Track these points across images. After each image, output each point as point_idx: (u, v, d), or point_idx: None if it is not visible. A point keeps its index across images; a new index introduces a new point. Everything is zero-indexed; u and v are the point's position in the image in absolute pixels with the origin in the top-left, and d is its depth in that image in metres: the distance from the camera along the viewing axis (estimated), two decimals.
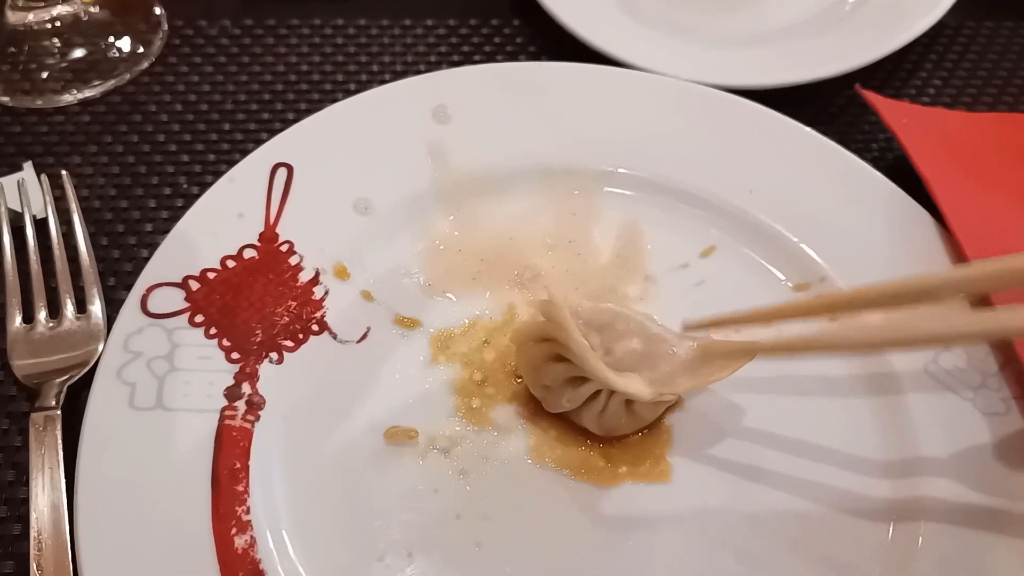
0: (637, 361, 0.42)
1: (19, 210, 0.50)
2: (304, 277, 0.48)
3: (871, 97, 0.57)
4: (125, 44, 0.60)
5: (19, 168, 0.53)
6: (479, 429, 0.44)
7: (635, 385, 0.41)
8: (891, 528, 0.42)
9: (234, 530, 0.40)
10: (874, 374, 0.47)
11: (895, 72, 0.64)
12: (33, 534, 0.39)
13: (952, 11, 0.62)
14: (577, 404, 0.43)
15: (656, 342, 0.43)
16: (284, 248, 0.48)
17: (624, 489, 0.43)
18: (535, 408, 0.45)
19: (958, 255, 0.49)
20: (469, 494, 0.43)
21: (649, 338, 0.43)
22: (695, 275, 0.50)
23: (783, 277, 0.50)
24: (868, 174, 0.52)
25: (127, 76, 0.59)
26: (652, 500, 0.43)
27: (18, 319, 0.46)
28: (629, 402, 0.42)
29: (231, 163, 0.52)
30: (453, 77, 0.55)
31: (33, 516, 0.40)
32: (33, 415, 0.43)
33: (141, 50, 0.60)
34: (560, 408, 0.44)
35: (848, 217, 0.51)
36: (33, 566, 0.38)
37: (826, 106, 0.61)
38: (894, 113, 0.56)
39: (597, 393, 0.42)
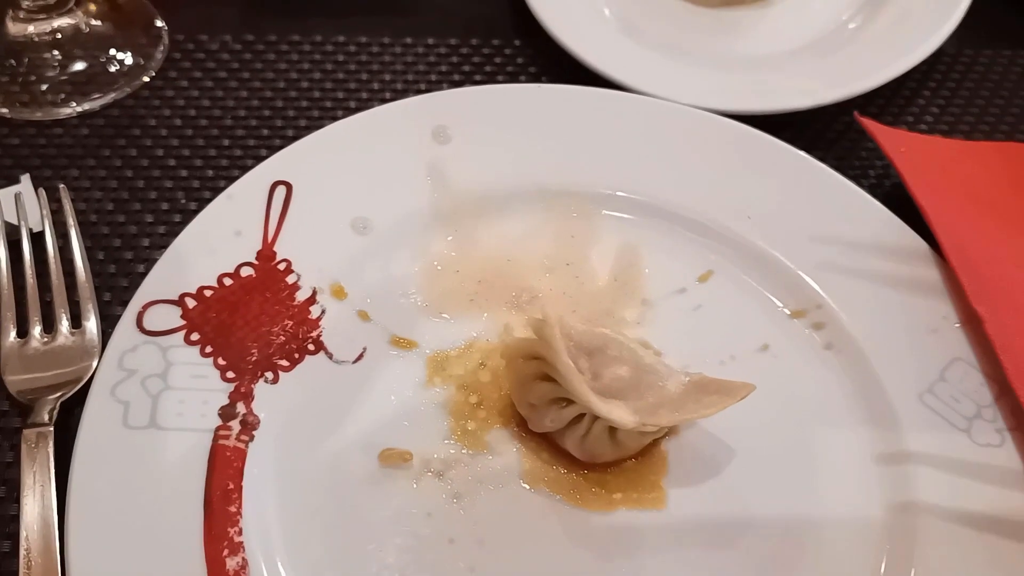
0: (624, 388, 0.42)
1: (15, 223, 0.50)
2: (301, 296, 0.48)
3: (869, 125, 0.57)
4: (126, 57, 0.60)
5: (16, 181, 0.53)
6: (473, 452, 0.44)
7: (618, 412, 0.41)
8: (884, 559, 0.42)
9: (226, 552, 0.40)
10: (869, 403, 0.47)
11: (893, 99, 0.64)
12: (22, 552, 0.39)
13: (951, 39, 0.63)
14: (560, 425, 0.43)
15: (647, 372, 0.43)
16: (282, 267, 0.48)
17: (619, 515, 0.43)
18: (529, 431, 0.45)
19: (953, 284, 0.50)
20: (463, 518, 0.42)
21: (640, 367, 0.43)
22: (692, 300, 0.50)
23: (780, 303, 0.50)
24: (866, 202, 0.53)
25: (127, 89, 0.59)
26: (647, 527, 0.43)
27: (12, 333, 0.46)
28: (613, 429, 0.42)
29: (230, 179, 0.52)
30: (454, 98, 0.55)
31: (23, 534, 0.39)
32: (25, 431, 0.42)
33: (141, 63, 0.60)
34: (543, 428, 0.44)
35: (845, 244, 0.51)
36: None
37: (824, 131, 0.62)
38: (892, 141, 0.56)
39: (581, 416, 0.42)
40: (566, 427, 0.43)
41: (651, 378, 0.43)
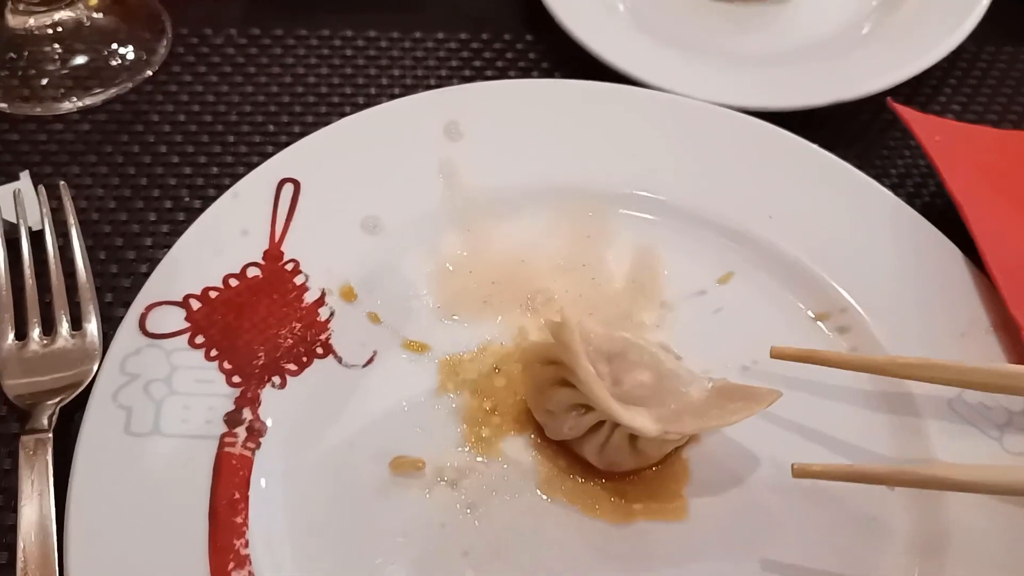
0: (646, 395, 0.41)
1: (14, 221, 0.48)
2: (309, 298, 0.46)
3: (903, 111, 0.55)
4: (128, 51, 0.58)
5: (16, 178, 0.51)
6: (488, 460, 0.43)
7: (639, 419, 0.39)
8: (916, 571, 0.41)
9: (231, 564, 0.38)
10: (897, 411, 0.45)
11: (914, 96, 0.63)
12: (19, 564, 0.37)
13: (972, 36, 0.61)
14: (579, 433, 0.41)
15: (669, 378, 0.41)
16: (289, 267, 0.47)
17: (638, 527, 0.42)
18: (546, 438, 0.43)
19: (982, 287, 0.48)
20: (477, 529, 0.41)
21: (661, 373, 0.41)
22: (713, 302, 0.49)
23: (803, 306, 0.49)
24: (890, 202, 0.51)
25: (129, 84, 0.57)
26: (667, 538, 0.41)
27: (10, 336, 0.45)
28: (633, 437, 0.41)
29: (235, 177, 0.51)
30: (466, 93, 0.54)
31: (20, 545, 0.38)
32: (24, 438, 0.41)
33: (144, 58, 0.59)
34: (561, 436, 0.42)
35: (869, 245, 0.50)
36: None
37: (843, 129, 0.60)
38: (926, 129, 0.54)
39: (601, 424, 0.41)
40: (585, 435, 0.41)
41: (673, 384, 0.41)
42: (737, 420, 0.40)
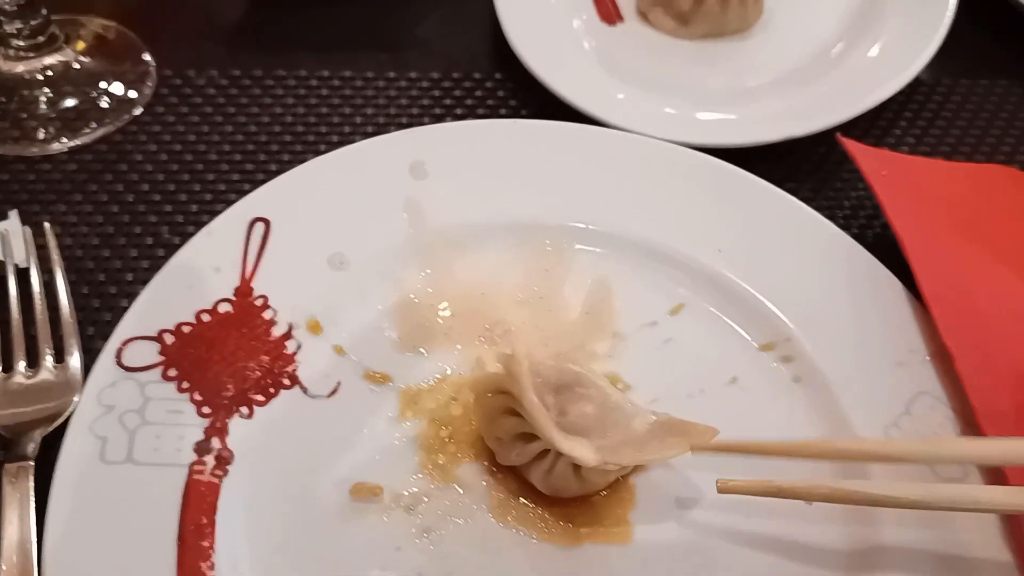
0: (589, 426, 0.43)
1: (1, 259, 0.51)
2: (277, 331, 0.49)
3: (851, 146, 0.56)
4: (115, 93, 0.61)
5: (4, 217, 0.54)
6: (443, 486, 0.45)
7: (580, 449, 0.41)
8: None
9: None
10: (836, 436, 0.47)
11: (870, 129, 0.65)
12: None
13: (928, 68, 0.63)
14: (525, 460, 0.44)
15: (612, 410, 0.43)
16: (259, 302, 0.49)
17: (585, 550, 0.44)
18: (499, 465, 0.46)
19: (922, 317, 0.50)
20: (431, 552, 0.43)
21: (606, 405, 0.44)
22: (663, 333, 0.51)
23: (749, 337, 0.51)
24: (835, 235, 0.53)
25: (115, 125, 0.60)
26: (613, 561, 0.44)
27: None
28: (577, 466, 0.43)
29: (213, 214, 0.53)
30: (431, 134, 0.56)
31: (2, 568, 0.40)
32: (7, 465, 0.44)
33: (131, 98, 0.61)
34: (510, 461, 0.44)
35: (814, 278, 0.52)
36: None
37: (801, 162, 0.62)
38: (873, 163, 0.56)
39: (546, 452, 0.43)
40: (531, 462, 0.44)
41: (616, 416, 0.44)
42: (673, 455, 0.43)
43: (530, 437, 0.43)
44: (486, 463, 0.46)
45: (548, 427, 0.42)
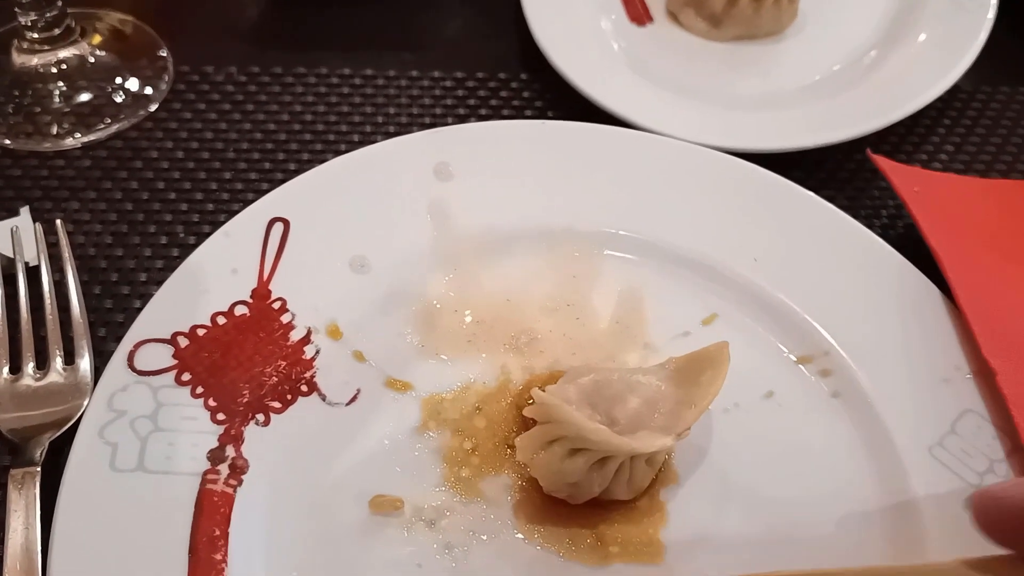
0: (640, 417, 0.42)
1: (11, 256, 0.49)
2: (295, 336, 0.47)
3: (882, 163, 0.55)
4: (130, 88, 0.60)
5: (16, 213, 0.52)
6: (467, 500, 0.43)
7: (656, 442, 0.41)
8: None
9: None
10: (877, 454, 0.45)
11: (907, 136, 0.63)
12: None
13: (967, 75, 0.62)
14: (608, 483, 0.42)
15: (644, 388, 0.43)
16: (276, 305, 0.47)
17: (615, 569, 0.42)
18: (525, 480, 0.44)
19: (966, 332, 0.48)
20: (454, 571, 0.41)
21: (635, 389, 0.43)
22: (696, 344, 0.48)
23: (786, 349, 0.49)
24: (876, 245, 0.51)
25: (130, 121, 0.58)
26: None
27: (5, 369, 0.46)
28: (647, 457, 0.42)
29: (230, 213, 0.51)
30: (456, 134, 0.55)
31: None
32: (13, 471, 0.42)
33: (146, 95, 0.60)
34: (592, 494, 0.42)
35: (854, 290, 0.50)
36: None
37: (837, 170, 0.60)
38: (905, 180, 0.55)
39: (620, 464, 0.42)
40: (611, 481, 0.42)
41: (646, 391, 0.43)
42: (719, 387, 0.43)
43: (603, 462, 0.41)
44: (511, 477, 0.44)
45: (625, 443, 0.40)
